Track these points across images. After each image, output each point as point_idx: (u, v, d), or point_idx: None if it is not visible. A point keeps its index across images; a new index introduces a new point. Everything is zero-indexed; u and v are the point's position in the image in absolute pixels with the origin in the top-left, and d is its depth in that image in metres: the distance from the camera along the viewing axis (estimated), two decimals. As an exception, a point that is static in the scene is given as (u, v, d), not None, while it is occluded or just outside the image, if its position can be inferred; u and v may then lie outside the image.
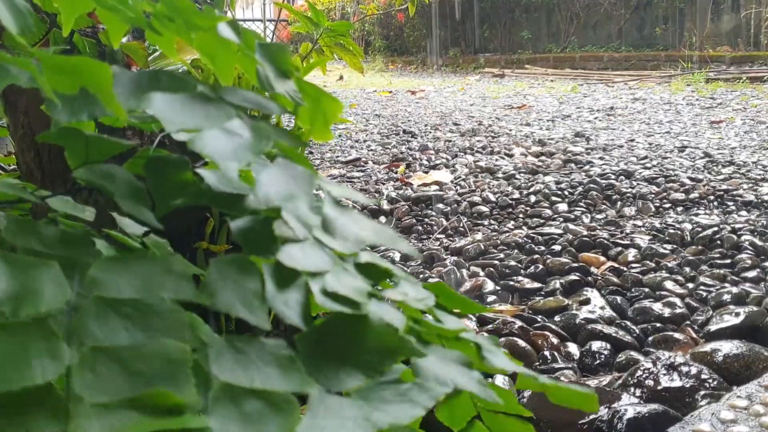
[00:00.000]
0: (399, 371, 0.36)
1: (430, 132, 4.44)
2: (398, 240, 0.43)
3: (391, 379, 0.35)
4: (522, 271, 1.82)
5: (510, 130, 4.41)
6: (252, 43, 0.46)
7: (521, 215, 2.44)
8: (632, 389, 1.15)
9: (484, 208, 2.49)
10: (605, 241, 1.99)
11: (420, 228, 2.33)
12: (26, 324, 0.31)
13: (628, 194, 2.60)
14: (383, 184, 2.96)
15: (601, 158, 3.29)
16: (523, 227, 2.29)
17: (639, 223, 2.24)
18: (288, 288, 0.37)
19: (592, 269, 1.80)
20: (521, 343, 1.35)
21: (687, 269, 1.77)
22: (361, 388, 0.34)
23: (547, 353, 1.33)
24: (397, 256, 1.98)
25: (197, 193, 0.38)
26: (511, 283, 1.73)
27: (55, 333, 0.31)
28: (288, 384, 0.32)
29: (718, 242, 1.95)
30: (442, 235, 2.26)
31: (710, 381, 1.14)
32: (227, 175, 0.36)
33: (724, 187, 2.62)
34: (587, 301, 1.58)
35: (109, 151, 0.44)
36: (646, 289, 1.64)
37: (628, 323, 1.46)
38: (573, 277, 1.72)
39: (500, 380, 1.22)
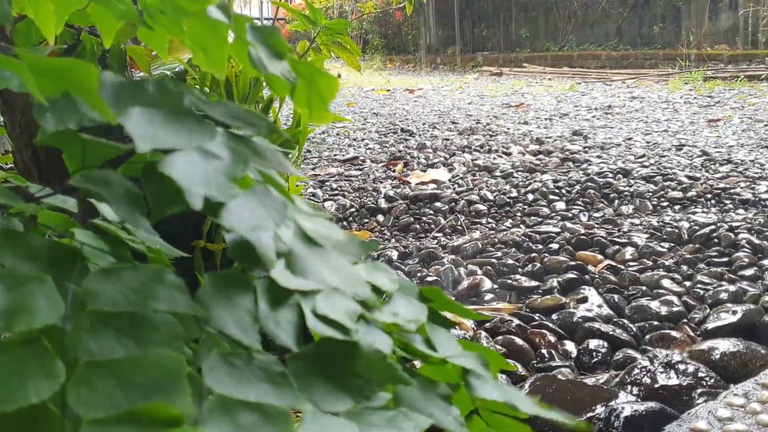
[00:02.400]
0: (385, 398, 0.36)
1: (428, 131, 4.45)
2: (367, 291, 0.42)
3: (378, 405, 0.35)
4: (519, 270, 1.82)
5: (508, 128, 4.41)
6: (243, 26, 0.46)
7: (519, 214, 2.44)
8: (629, 387, 1.15)
9: (481, 207, 2.49)
10: (603, 240, 1.99)
11: (418, 226, 2.33)
12: (19, 342, 0.31)
13: (625, 193, 2.60)
14: (381, 182, 2.96)
15: (598, 157, 3.29)
16: (521, 226, 2.30)
17: (636, 221, 2.24)
18: (280, 307, 0.37)
19: (590, 267, 1.80)
20: (519, 341, 1.35)
21: (684, 267, 1.78)
22: (349, 411, 0.34)
23: (544, 351, 1.33)
24: (395, 255, 1.98)
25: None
26: (509, 281, 1.73)
27: (48, 350, 0.31)
28: (281, 399, 0.32)
29: (716, 240, 1.95)
30: (440, 234, 2.26)
31: (707, 379, 1.14)
32: (191, 200, 0.35)
33: (721, 185, 2.62)
34: (585, 300, 1.58)
35: (106, 154, 0.44)
36: (644, 288, 1.65)
37: (626, 321, 1.46)
38: (570, 275, 1.72)
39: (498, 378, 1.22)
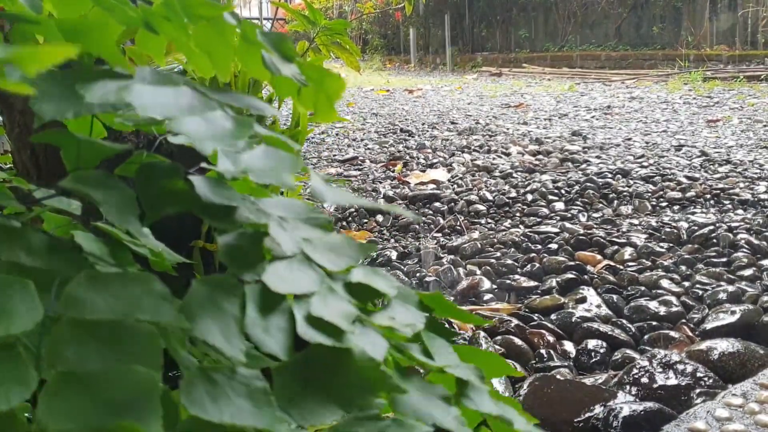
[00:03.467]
0: (379, 405, 0.35)
1: (428, 131, 4.45)
2: (395, 207, 0.44)
3: (369, 415, 0.35)
4: (519, 270, 1.82)
5: (507, 128, 4.41)
6: (253, 33, 0.46)
7: (518, 214, 2.44)
8: (628, 387, 1.15)
9: (481, 207, 2.49)
10: (602, 240, 1.99)
11: (417, 226, 2.33)
12: None
13: (624, 193, 2.60)
14: (380, 182, 2.96)
15: (598, 157, 3.29)
16: (520, 226, 2.30)
17: (635, 221, 2.25)
18: (271, 313, 0.37)
19: (589, 268, 1.80)
20: (518, 341, 1.35)
21: (683, 268, 1.78)
22: (338, 423, 0.33)
23: (543, 351, 1.33)
24: (393, 255, 1.98)
25: (188, 202, 0.38)
26: (508, 281, 1.73)
27: (22, 357, 0.30)
28: (259, 420, 0.32)
29: (715, 241, 1.95)
30: (440, 234, 2.26)
31: (706, 379, 1.15)
32: (202, 148, 0.35)
33: (720, 185, 2.62)
34: (583, 300, 1.58)
35: (101, 154, 0.44)
36: (642, 288, 1.65)
37: (624, 321, 1.47)
38: (569, 275, 1.72)
39: (496, 382, 1.22)
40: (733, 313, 1.43)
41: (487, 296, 1.67)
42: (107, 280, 0.35)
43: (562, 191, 2.65)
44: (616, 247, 1.95)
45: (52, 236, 0.38)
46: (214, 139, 0.37)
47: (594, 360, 1.32)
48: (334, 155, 3.68)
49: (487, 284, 1.73)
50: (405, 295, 0.46)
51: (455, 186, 2.82)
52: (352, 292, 0.40)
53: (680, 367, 1.17)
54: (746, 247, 1.88)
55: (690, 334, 1.41)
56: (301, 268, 0.39)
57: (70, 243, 0.38)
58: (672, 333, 1.40)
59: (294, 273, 0.38)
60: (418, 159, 3.42)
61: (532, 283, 1.72)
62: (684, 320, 1.47)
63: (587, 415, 1.06)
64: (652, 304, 1.53)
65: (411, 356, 0.41)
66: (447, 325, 0.50)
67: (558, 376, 1.21)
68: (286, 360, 0.35)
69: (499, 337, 1.36)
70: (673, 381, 1.14)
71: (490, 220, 2.40)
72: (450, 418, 0.37)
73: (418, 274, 1.81)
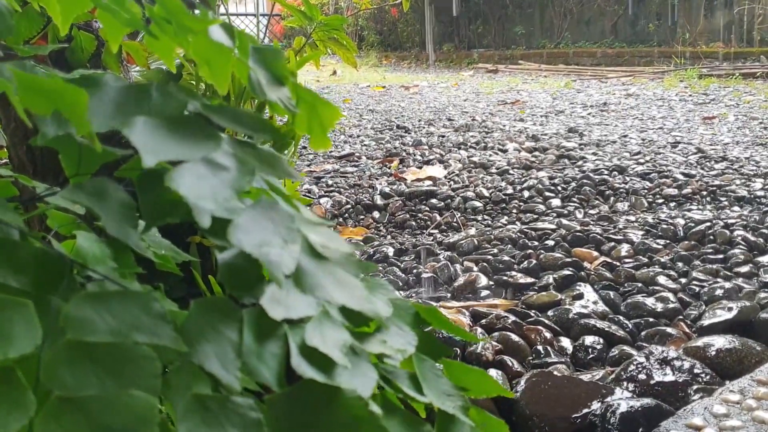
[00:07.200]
0: None
1: (424, 127, 4.44)
2: (373, 307, 0.41)
3: None
4: (515, 266, 1.82)
5: (503, 125, 4.41)
6: (246, 47, 0.45)
7: (515, 210, 2.44)
8: (625, 383, 1.15)
9: (477, 204, 2.49)
10: (598, 237, 1.99)
11: (413, 223, 2.33)
12: None
13: (621, 190, 2.60)
14: (377, 179, 2.95)
15: (594, 154, 3.29)
16: (517, 222, 2.30)
17: (632, 218, 2.25)
18: (267, 340, 0.36)
19: (585, 264, 1.80)
20: (514, 337, 1.35)
21: (680, 264, 1.78)
22: None
23: (540, 347, 1.33)
24: (390, 251, 1.98)
25: (189, 213, 0.37)
26: (505, 278, 1.73)
27: (21, 382, 0.30)
28: None
29: (711, 237, 1.96)
30: (436, 231, 2.26)
31: (703, 375, 1.15)
32: (199, 217, 0.34)
33: (716, 182, 2.63)
34: (580, 296, 1.58)
35: (101, 158, 0.43)
36: (639, 284, 1.65)
37: (621, 318, 1.47)
38: (566, 272, 1.72)
39: (494, 373, 1.22)
40: (729, 309, 1.43)
41: (484, 292, 1.67)
42: (106, 299, 0.34)
43: (559, 188, 2.66)
44: (612, 243, 1.95)
45: (41, 248, 0.37)
46: (214, 197, 0.35)
47: (591, 356, 1.32)
48: (331, 151, 3.67)
49: (484, 281, 1.73)
50: (401, 306, 0.45)
51: (452, 183, 2.82)
52: (347, 316, 0.40)
53: (677, 363, 1.17)
54: (743, 243, 1.88)
55: (687, 330, 1.41)
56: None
57: (60, 258, 0.37)
58: (669, 329, 1.40)
59: (292, 295, 0.38)
60: (415, 155, 3.42)
61: (529, 280, 1.72)
62: (681, 317, 1.48)
63: (584, 411, 1.06)
64: (649, 301, 1.53)
65: (399, 388, 0.41)
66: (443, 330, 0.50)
67: (555, 373, 1.21)
68: (279, 392, 0.35)
69: (496, 334, 1.36)
70: (670, 377, 1.14)
71: (486, 217, 2.40)
72: None
73: (415, 271, 1.81)
